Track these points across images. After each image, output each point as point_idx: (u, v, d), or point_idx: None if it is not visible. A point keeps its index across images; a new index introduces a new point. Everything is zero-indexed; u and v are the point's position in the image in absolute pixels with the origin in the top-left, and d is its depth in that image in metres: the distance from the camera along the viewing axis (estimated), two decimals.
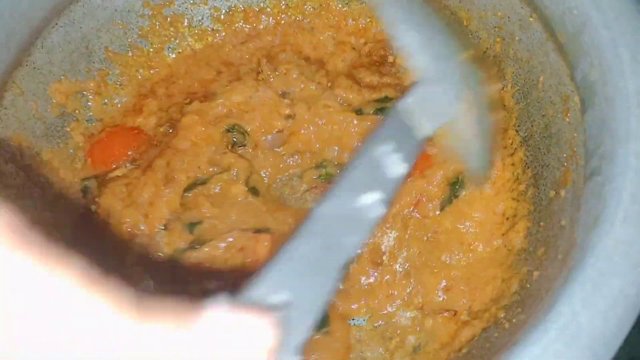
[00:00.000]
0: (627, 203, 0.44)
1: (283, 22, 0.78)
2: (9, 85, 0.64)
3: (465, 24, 0.71)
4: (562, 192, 0.57)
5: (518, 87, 0.67)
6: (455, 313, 0.64)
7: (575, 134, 0.56)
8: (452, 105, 0.52)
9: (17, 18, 0.63)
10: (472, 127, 0.55)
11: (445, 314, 0.63)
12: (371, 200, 0.42)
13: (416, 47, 0.52)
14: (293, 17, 0.78)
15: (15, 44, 0.63)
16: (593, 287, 0.42)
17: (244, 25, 0.78)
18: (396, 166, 0.45)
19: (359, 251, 0.48)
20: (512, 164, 0.66)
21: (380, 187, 0.43)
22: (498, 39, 0.68)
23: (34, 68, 0.67)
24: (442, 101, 0.51)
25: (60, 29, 0.68)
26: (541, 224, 0.60)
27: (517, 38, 0.65)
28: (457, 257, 0.65)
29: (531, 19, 0.62)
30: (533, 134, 0.64)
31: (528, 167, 0.65)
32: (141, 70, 0.76)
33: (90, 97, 0.73)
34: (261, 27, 0.78)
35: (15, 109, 0.65)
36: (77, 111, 0.72)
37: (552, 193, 0.59)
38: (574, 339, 0.40)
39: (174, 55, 0.78)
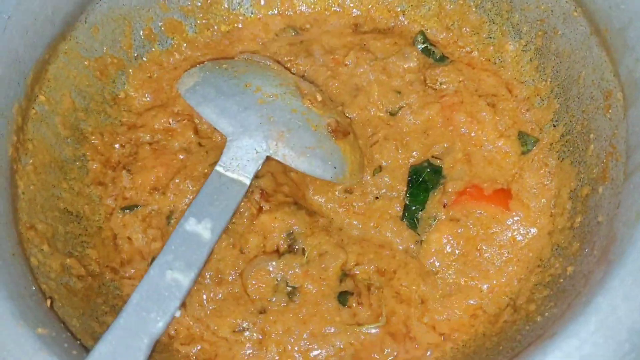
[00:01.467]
0: None
1: None
2: (53, 58, 0.65)
3: (506, 16, 0.71)
4: (600, 189, 0.57)
5: (558, 82, 0.66)
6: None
7: (616, 131, 0.56)
8: (261, 146, 0.63)
9: None
10: (308, 150, 0.63)
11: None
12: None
13: (216, 117, 0.64)
14: None
15: (60, 19, 0.64)
16: (633, 281, 0.42)
17: None
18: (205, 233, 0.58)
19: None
20: (546, 163, 0.66)
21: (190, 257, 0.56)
22: (540, 33, 0.67)
23: (77, 42, 0.68)
24: (251, 147, 0.62)
25: (104, 5, 0.69)
26: (577, 219, 0.59)
27: (559, 32, 0.65)
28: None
29: (575, 13, 0.62)
30: (572, 130, 0.64)
31: (564, 162, 0.64)
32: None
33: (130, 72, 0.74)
34: None
35: (57, 82, 0.66)
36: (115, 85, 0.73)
37: (588, 189, 0.59)
38: (613, 331, 0.40)
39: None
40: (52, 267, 0.59)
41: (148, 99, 0.75)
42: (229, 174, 0.62)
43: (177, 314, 0.54)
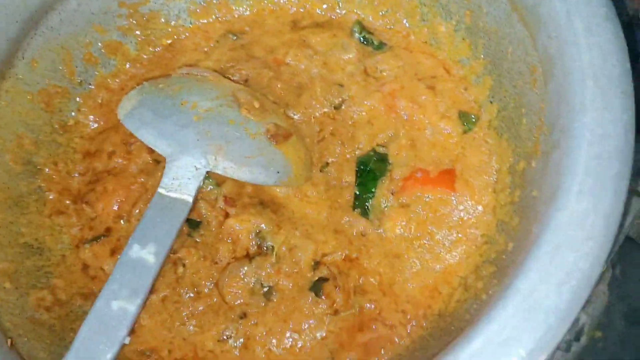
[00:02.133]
0: (582, 176, 0.45)
1: None
2: None
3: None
4: (533, 163, 0.58)
5: (490, 59, 0.67)
6: None
7: (542, 105, 0.57)
8: (200, 162, 0.64)
9: None
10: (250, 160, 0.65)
11: None
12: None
13: (154, 140, 0.66)
14: None
15: None
16: (549, 261, 0.43)
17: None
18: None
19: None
20: (487, 141, 0.67)
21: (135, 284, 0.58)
22: (467, 12, 0.68)
23: (18, 79, 0.69)
24: (190, 165, 0.64)
25: (38, 38, 0.70)
26: (516, 194, 0.61)
27: (484, 10, 0.65)
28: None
29: None
30: (506, 106, 0.65)
31: (502, 137, 0.66)
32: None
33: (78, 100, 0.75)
34: None
35: (3, 121, 0.68)
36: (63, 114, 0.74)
37: (524, 163, 0.60)
38: (530, 313, 0.41)
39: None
40: (16, 304, 0.61)
41: (99, 123, 0.76)
42: (171, 194, 0.63)
43: (126, 340, 0.56)
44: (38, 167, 0.71)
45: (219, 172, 0.65)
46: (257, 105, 0.68)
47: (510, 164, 0.63)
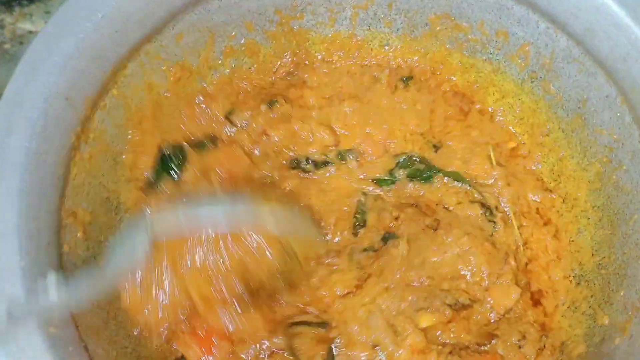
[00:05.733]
0: None
1: None
2: (134, 56, 0.68)
3: (574, 132, 0.70)
4: (617, 340, 0.56)
5: (609, 214, 0.66)
6: None
7: None
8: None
9: (159, 1, 0.66)
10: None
11: None
12: None
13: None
14: None
15: (150, 23, 0.67)
16: None
17: None
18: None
19: None
20: (578, 283, 0.65)
21: None
22: (605, 159, 0.66)
23: (160, 45, 0.70)
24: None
25: (193, 16, 0.71)
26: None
27: (624, 167, 0.64)
28: None
29: None
30: (608, 266, 0.63)
31: (592, 296, 0.64)
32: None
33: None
34: None
35: (133, 78, 0.69)
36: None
37: (606, 336, 0.58)
38: None
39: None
40: (81, 255, 0.62)
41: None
42: None
43: None
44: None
45: None
46: None
47: (590, 325, 0.62)
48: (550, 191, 0.72)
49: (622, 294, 0.59)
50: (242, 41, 0.77)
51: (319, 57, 0.81)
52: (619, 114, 0.63)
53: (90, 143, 0.65)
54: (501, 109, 0.77)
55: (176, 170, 0.72)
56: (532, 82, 0.73)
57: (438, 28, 0.76)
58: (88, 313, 0.58)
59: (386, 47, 0.80)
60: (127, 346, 0.64)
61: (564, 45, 0.67)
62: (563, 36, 0.67)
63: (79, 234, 0.63)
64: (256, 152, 0.74)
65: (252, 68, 0.79)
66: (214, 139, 0.74)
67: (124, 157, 0.70)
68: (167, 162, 0.72)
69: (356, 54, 0.81)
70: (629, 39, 0.59)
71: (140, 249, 0.56)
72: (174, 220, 0.57)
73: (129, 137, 0.71)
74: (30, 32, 0.92)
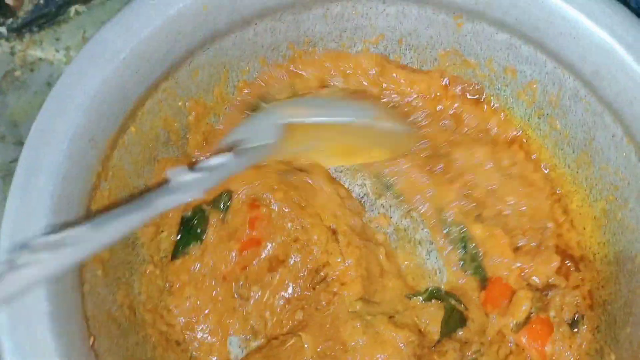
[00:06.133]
0: None
1: None
2: (152, 94, 0.69)
3: (580, 169, 0.72)
4: None
5: (614, 251, 0.68)
6: None
7: None
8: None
9: (178, 40, 0.67)
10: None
11: None
12: None
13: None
14: None
15: (169, 61, 0.68)
16: None
17: None
18: None
19: None
20: (583, 324, 0.68)
21: None
22: (610, 197, 0.69)
23: (176, 82, 0.71)
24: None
25: (209, 53, 0.72)
26: None
27: (630, 206, 0.66)
28: None
29: None
30: (613, 302, 0.66)
31: (599, 332, 0.66)
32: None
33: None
34: None
35: (150, 115, 0.70)
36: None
37: None
38: None
39: None
40: (100, 294, 0.63)
41: None
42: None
43: None
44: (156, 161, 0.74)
45: None
46: None
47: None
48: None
49: (628, 331, 0.61)
50: (255, 75, 0.78)
51: None
52: (625, 154, 0.66)
53: (110, 180, 0.66)
54: None
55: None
56: (538, 118, 0.75)
57: (447, 64, 0.78)
58: (109, 353, 0.60)
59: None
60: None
61: (571, 85, 0.69)
62: (570, 76, 0.69)
63: (99, 272, 0.64)
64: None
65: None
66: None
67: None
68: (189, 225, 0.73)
69: None
70: (636, 83, 0.61)
71: (275, 128, 0.64)
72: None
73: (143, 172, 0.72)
74: (41, 59, 0.93)
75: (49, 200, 0.57)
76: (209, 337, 0.71)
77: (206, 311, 0.72)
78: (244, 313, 0.73)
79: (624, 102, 0.63)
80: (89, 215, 0.62)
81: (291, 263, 0.72)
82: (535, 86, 0.73)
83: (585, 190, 0.72)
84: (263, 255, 0.73)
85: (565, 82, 0.70)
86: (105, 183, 0.66)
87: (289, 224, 0.73)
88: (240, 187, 0.74)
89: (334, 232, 0.73)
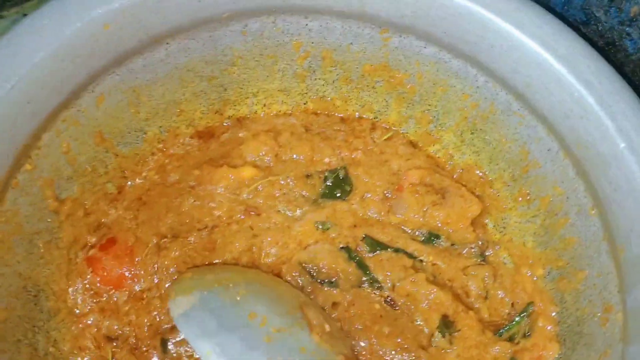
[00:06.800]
0: None
1: None
2: (50, 125, 0.61)
3: (519, 180, 0.70)
4: None
5: (557, 267, 0.66)
6: None
7: (609, 350, 0.55)
8: None
9: (78, 64, 0.59)
10: None
11: None
12: None
13: (216, 358, 0.54)
14: None
15: (68, 89, 0.60)
16: None
17: None
18: None
19: None
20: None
21: None
22: (550, 212, 0.67)
23: (79, 111, 0.63)
24: None
25: (115, 77, 0.65)
26: None
27: (570, 220, 0.64)
28: None
29: (592, 212, 0.61)
30: (561, 323, 0.63)
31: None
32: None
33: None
34: None
35: (48, 149, 0.62)
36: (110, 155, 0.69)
37: None
38: None
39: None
40: None
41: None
42: None
43: None
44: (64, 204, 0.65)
45: None
46: (327, 329, 0.60)
47: None
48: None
49: (579, 350, 0.59)
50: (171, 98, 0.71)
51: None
52: (562, 168, 0.64)
53: (2, 227, 0.57)
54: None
55: None
56: (471, 133, 0.73)
57: (375, 79, 0.74)
58: None
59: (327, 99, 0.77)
60: None
61: (504, 99, 0.67)
62: (502, 90, 0.67)
63: None
64: None
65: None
66: None
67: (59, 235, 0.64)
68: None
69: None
70: (572, 97, 0.59)
71: None
72: None
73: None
74: None
75: None
76: None
77: None
78: None
79: (559, 116, 0.61)
80: None
81: None
82: (467, 101, 0.71)
83: (523, 206, 0.70)
84: None
85: (497, 96, 0.67)
86: None
87: None
88: None
89: None
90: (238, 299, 0.59)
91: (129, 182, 0.72)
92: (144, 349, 0.65)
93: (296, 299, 0.62)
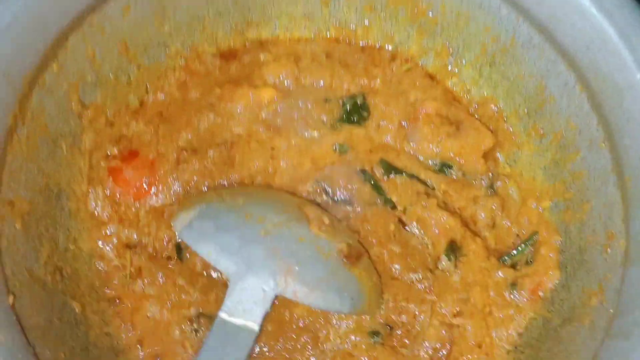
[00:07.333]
0: None
1: None
2: (76, 28, 0.62)
3: (531, 118, 0.71)
4: (574, 324, 0.58)
5: (564, 199, 0.67)
6: None
7: (609, 274, 0.57)
8: (269, 284, 0.57)
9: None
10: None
11: None
12: None
13: (216, 256, 0.58)
14: None
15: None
16: None
17: None
18: None
19: None
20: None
21: None
22: (562, 146, 0.68)
23: (105, 15, 0.64)
24: (257, 287, 0.57)
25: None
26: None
27: (580, 154, 0.65)
28: None
29: (603, 145, 0.62)
30: (565, 251, 0.65)
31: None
32: None
33: None
34: None
35: (74, 53, 0.63)
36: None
37: (560, 320, 0.60)
38: None
39: None
40: (20, 249, 0.56)
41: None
42: (234, 320, 0.56)
43: None
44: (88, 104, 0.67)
45: (288, 296, 0.57)
46: (327, 221, 0.63)
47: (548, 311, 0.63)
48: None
49: (579, 277, 0.61)
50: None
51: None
52: (577, 102, 0.64)
53: (28, 124, 0.59)
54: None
55: None
56: (490, 67, 0.73)
57: (399, 8, 0.75)
58: (32, 313, 0.53)
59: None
60: (74, 346, 0.59)
61: (525, 31, 0.67)
62: (525, 22, 0.67)
63: (17, 226, 0.57)
64: None
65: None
66: None
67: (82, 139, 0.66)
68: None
69: None
70: (593, 28, 0.59)
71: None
72: None
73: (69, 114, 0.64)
74: None
75: None
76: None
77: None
78: None
79: (580, 47, 0.61)
80: (2, 164, 0.55)
81: None
82: (488, 33, 0.71)
83: (535, 140, 0.71)
84: None
85: (519, 28, 0.67)
86: (23, 127, 0.58)
87: None
88: None
89: None
90: (234, 206, 0.61)
91: (151, 97, 0.73)
92: (163, 255, 0.67)
93: (295, 201, 0.64)
